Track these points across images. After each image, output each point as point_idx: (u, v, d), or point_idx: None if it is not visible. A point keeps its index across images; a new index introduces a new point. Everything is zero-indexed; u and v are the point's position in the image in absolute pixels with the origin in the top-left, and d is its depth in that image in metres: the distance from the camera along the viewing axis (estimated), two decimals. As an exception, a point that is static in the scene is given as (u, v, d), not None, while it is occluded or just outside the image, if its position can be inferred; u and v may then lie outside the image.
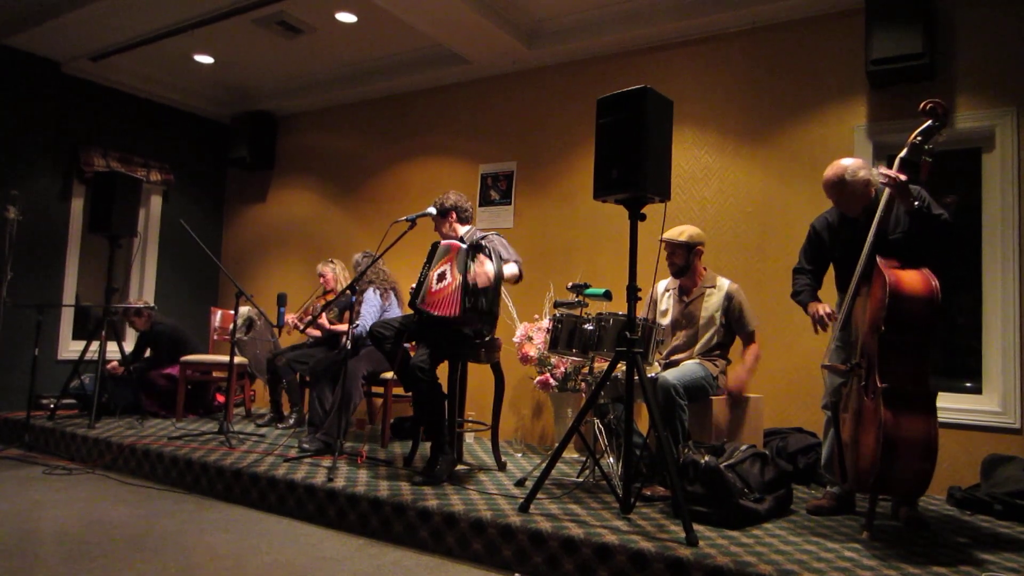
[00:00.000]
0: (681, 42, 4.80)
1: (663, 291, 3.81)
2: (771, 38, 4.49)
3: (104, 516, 3.27)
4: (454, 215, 3.83)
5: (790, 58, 4.42)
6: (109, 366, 5.36)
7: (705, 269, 3.73)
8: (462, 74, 5.64)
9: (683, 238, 3.61)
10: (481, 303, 3.33)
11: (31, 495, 3.61)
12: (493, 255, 3.47)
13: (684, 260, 3.63)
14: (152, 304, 5.65)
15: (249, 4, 4.91)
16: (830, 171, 2.99)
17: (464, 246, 3.58)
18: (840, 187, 2.96)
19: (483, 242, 3.67)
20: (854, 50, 4.15)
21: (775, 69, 4.47)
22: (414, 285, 3.70)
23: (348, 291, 3.83)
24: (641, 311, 3.73)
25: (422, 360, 3.44)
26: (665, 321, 3.72)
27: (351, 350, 3.80)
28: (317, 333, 5.09)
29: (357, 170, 6.34)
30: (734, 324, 3.62)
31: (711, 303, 3.61)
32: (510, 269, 3.61)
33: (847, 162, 3.00)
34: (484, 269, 3.36)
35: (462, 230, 3.86)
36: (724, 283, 3.66)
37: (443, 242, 3.64)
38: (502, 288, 3.80)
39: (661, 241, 3.62)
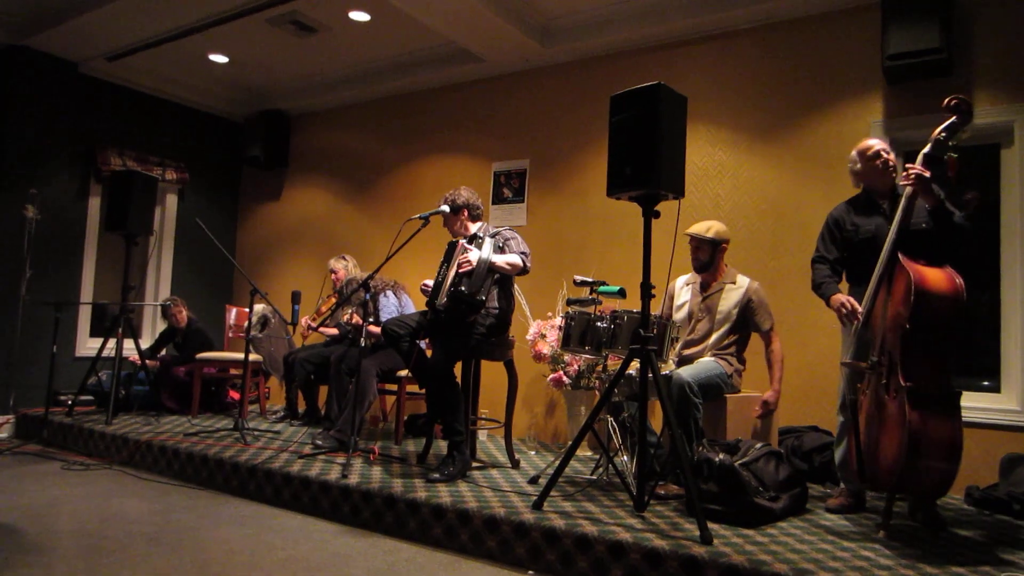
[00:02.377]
0: (695, 38, 4.77)
1: (682, 285, 3.81)
2: (786, 33, 4.45)
3: (121, 511, 3.30)
4: (466, 212, 3.82)
5: (805, 54, 4.38)
6: (131, 358, 5.40)
7: (726, 266, 3.72)
8: (475, 72, 5.63)
9: (710, 234, 3.62)
10: (462, 289, 3.37)
11: (50, 490, 3.65)
12: (487, 244, 3.51)
13: (708, 256, 3.63)
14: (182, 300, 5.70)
15: (263, 3, 4.93)
16: (862, 142, 3.09)
17: (464, 241, 3.64)
18: (875, 156, 3.02)
19: (497, 237, 3.70)
20: (870, 45, 4.11)
21: (790, 65, 4.43)
22: (428, 281, 3.71)
23: (362, 290, 3.83)
24: (656, 308, 3.72)
25: (440, 360, 3.44)
26: (680, 315, 3.71)
27: (365, 347, 3.82)
28: (333, 331, 5.10)
29: (370, 168, 6.35)
30: (750, 322, 3.60)
31: (730, 299, 3.60)
32: (508, 258, 3.59)
33: (876, 140, 3.11)
34: (467, 256, 3.45)
35: (473, 227, 3.85)
36: (744, 281, 3.65)
37: (460, 241, 3.67)
38: (512, 284, 3.82)
39: (688, 235, 3.64)
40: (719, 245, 3.64)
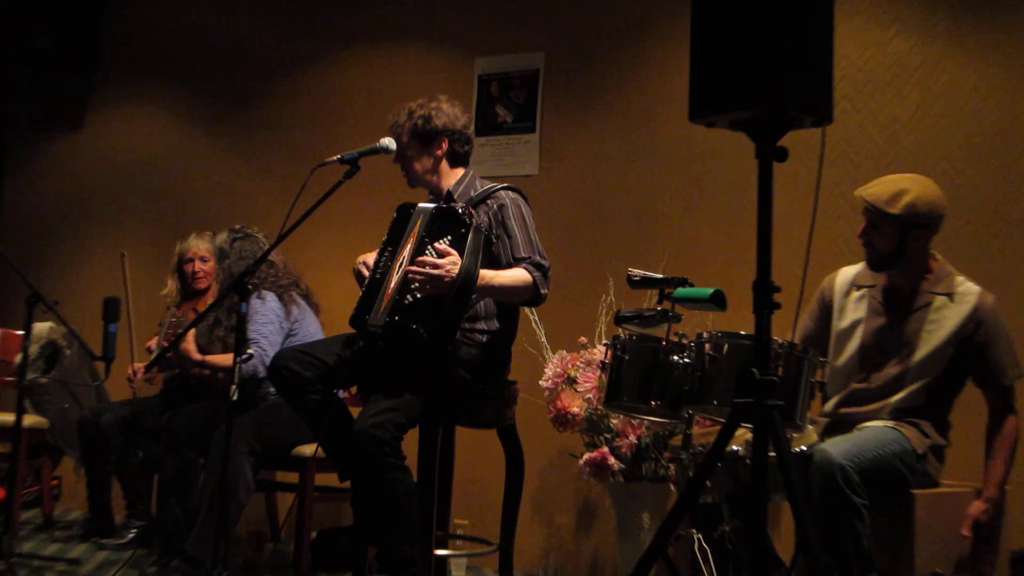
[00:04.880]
0: None
1: (847, 288, 3.81)
2: None
3: None
4: (445, 145, 3.78)
5: None
6: None
7: (937, 260, 3.71)
8: None
9: (895, 210, 3.51)
10: (415, 329, 3.38)
11: None
12: (472, 240, 3.48)
13: (891, 243, 3.59)
14: None
15: None
16: None
17: (431, 207, 3.64)
18: None
19: (489, 203, 3.72)
20: None
21: None
22: (368, 258, 3.74)
23: (233, 293, 3.73)
24: (786, 329, 3.68)
25: (377, 426, 3.41)
26: (849, 348, 3.72)
27: (236, 403, 3.58)
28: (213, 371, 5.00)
29: (252, 72, 6.42)
30: (975, 367, 3.59)
31: (944, 323, 3.58)
32: (513, 276, 3.62)
33: None
34: (437, 264, 3.38)
35: (454, 177, 3.87)
36: (971, 290, 3.62)
37: (421, 206, 3.66)
38: (518, 310, 3.89)
39: (861, 201, 3.58)
40: (914, 228, 3.58)
